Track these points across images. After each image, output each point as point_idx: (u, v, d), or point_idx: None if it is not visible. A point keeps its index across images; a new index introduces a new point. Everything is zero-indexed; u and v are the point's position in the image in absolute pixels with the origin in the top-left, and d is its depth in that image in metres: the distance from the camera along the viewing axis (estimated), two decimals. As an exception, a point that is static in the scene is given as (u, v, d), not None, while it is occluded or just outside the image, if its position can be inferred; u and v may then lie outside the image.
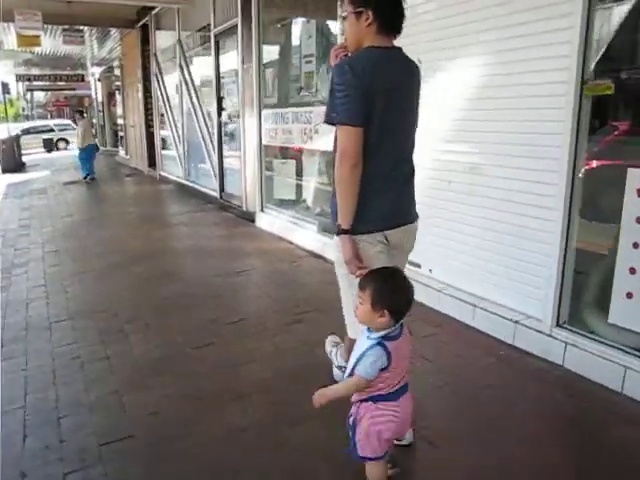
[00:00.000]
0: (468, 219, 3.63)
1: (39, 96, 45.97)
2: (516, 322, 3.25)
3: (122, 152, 17.64)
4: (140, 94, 12.71)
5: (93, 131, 15.06)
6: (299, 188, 6.24)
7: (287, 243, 5.82)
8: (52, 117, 42.20)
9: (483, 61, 3.43)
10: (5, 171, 15.55)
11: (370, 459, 1.85)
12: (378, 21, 2.03)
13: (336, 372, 2.76)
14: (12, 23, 9.34)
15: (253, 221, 6.78)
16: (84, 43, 12.77)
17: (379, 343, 1.73)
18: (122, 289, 4.53)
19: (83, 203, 9.90)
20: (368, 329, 1.82)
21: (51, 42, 14.12)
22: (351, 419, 1.86)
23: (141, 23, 11.84)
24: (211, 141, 8.34)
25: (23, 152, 17.82)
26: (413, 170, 2.24)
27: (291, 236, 5.84)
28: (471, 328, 3.53)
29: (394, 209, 2.13)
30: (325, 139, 5.06)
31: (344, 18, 2.13)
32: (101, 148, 21.39)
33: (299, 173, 6.17)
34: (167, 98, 10.97)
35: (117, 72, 17.68)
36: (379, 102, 1.96)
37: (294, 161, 6.20)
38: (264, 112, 6.32)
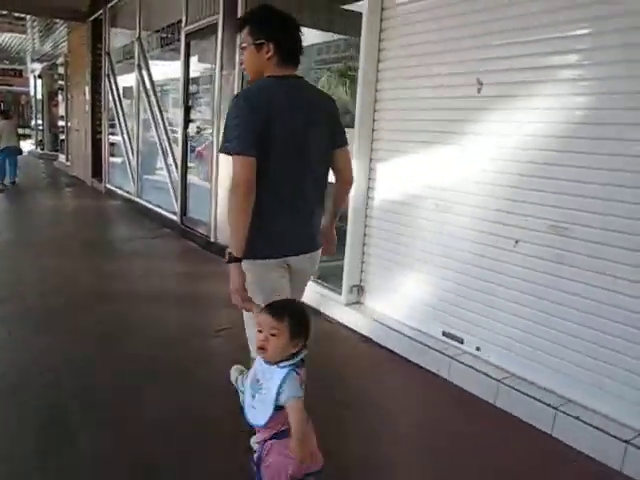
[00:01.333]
0: (544, 292, 2.77)
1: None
2: (627, 442, 2.38)
3: (62, 157, 16.06)
4: (87, 96, 11.35)
5: (20, 131, 13.16)
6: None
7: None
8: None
9: (580, 89, 2.60)
10: None
11: None
12: (279, 53, 2.07)
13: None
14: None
15: (223, 256, 5.70)
16: (25, 32, 11.27)
17: (294, 370, 1.70)
18: (64, 353, 3.38)
19: (14, 219, 8.47)
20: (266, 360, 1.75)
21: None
22: (255, 456, 1.83)
23: (93, 17, 10.56)
24: (172, 156, 7.21)
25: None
26: (317, 200, 2.20)
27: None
28: (549, 437, 2.65)
29: (294, 237, 2.13)
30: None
31: (243, 48, 2.14)
32: (39, 151, 19.71)
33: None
34: (120, 103, 9.72)
35: (61, 70, 16.16)
36: (275, 131, 1.97)
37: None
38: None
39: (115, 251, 6.44)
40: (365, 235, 3.96)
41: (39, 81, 20.45)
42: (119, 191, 9.79)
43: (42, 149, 19.87)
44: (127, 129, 9.36)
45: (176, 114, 7.08)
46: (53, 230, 7.40)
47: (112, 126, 10.32)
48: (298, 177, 2.09)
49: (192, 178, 6.87)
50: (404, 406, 3.00)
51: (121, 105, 9.70)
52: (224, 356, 3.47)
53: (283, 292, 2.07)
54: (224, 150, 2.02)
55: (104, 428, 2.56)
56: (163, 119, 7.59)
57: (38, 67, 19.47)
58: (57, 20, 11.72)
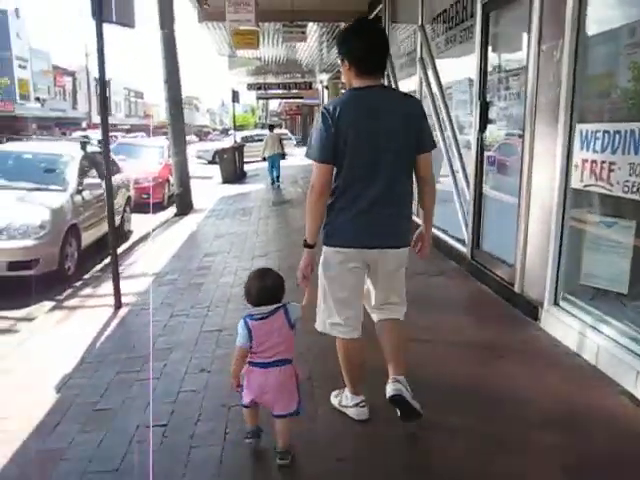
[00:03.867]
0: None
1: (274, 105, 48.45)
2: None
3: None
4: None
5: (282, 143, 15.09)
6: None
7: (624, 397, 2.84)
8: (285, 126, 43.86)
9: None
10: (225, 181, 14.96)
11: (243, 405, 2.43)
12: (354, 66, 2.43)
13: (356, 411, 2.70)
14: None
15: (535, 318, 3.89)
16: (305, 40, 11.06)
17: (243, 319, 2.31)
18: None
19: (283, 237, 7.85)
20: None
21: (272, 49, 13.21)
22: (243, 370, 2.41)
23: (373, 14, 9.69)
24: (463, 169, 5.63)
25: (246, 161, 17.26)
26: (395, 199, 2.45)
27: (633, 382, 2.87)
28: None
29: (365, 233, 2.42)
30: None
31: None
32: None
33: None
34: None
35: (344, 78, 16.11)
36: (347, 140, 2.32)
37: (634, 223, 3.21)
38: (582, 128, 3.39)
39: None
40: None
41: (325, 92, 21.15)
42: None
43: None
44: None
45: (470, 116, 5.49)
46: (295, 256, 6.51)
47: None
48: (371, 181, 2.38)
49: (488, 191, 5.15)
50: None
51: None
52: None
53: (347, 283, 2.52)
54: (306, 155, 2.45)
55: None
56: (452, 124, 6.07)
57: (325, 77, 20.06)
58: (340, 24, 11.28)
